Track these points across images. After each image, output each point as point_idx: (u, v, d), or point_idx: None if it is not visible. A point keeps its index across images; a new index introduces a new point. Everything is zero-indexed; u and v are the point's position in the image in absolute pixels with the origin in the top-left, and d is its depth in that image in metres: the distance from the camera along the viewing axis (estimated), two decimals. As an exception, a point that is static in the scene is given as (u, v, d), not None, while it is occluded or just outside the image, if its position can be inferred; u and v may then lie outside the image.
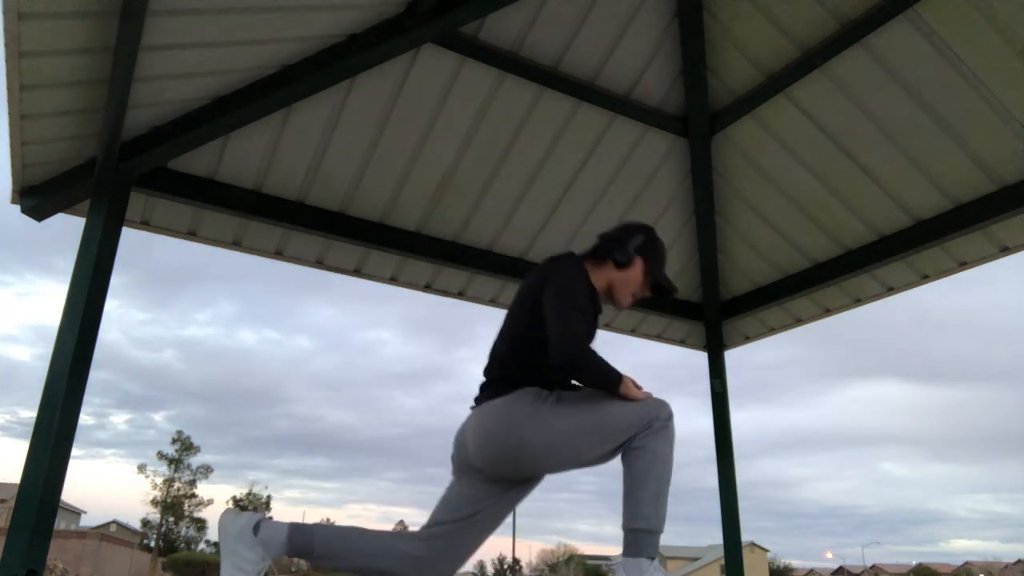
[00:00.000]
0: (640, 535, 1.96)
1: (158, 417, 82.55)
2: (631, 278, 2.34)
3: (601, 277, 2.36)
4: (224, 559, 2.02)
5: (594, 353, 2.07)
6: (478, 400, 2.19)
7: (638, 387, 2.13)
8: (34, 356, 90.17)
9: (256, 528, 2.04)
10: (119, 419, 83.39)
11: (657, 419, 2.03)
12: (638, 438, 2.01)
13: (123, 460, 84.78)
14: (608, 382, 2.05)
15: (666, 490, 2.01)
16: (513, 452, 2.02)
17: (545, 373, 2.14)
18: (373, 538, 2.09)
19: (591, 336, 2.24)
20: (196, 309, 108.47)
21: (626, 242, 2.33)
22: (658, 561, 1.99)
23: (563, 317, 2.05)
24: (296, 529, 2.07)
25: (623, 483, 2.03)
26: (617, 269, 2.33)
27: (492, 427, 2.05)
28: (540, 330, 2.13)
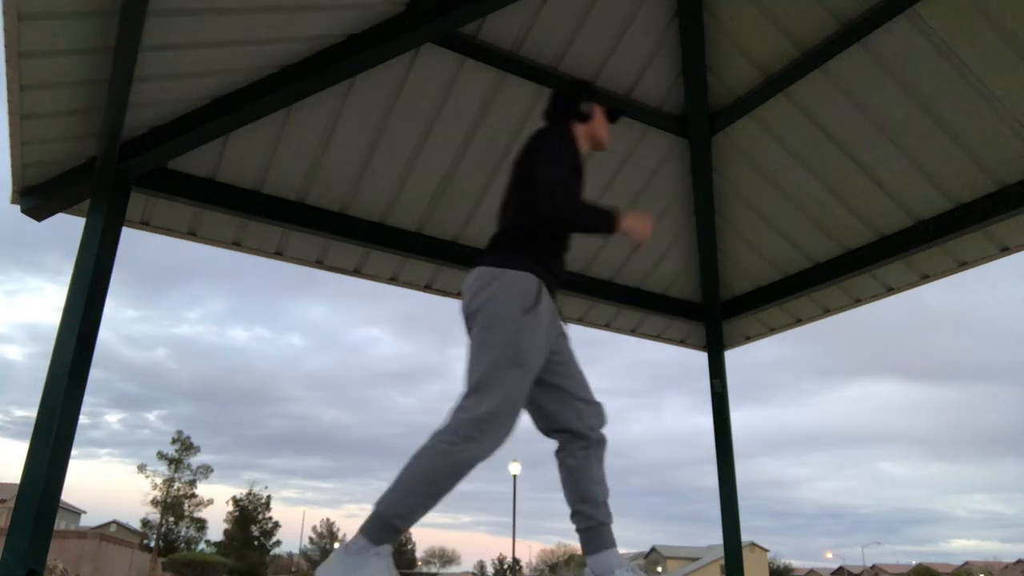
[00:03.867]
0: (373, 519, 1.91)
1: (152, 416, 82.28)
2: (598, 122, 2.51)
3: (580, 137, 2.49)
4: None
5: (582, 201, 2.15)
6: (481, 253, 2.24)
7: (642, 221, 2.22)
8: (26, 355, 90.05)
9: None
10: (113, 418, 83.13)
11: (459, 434, 1.93)
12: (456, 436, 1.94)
13: (117, 460, 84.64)
14: (605, 223, 2.13)
15: (421, 488, 1.90)
16: (470, 316, 2.11)
17: (533, 239, 2.17)
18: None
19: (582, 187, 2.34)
20: (186, 307, 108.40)
21: (576, 100, 2.49)
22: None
23: (551, 172, 2.14)
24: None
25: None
26: (584, 123, 2.48)
27: (473, 290, 2.13)
28: (528, 195, 2.20)
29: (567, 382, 2.21)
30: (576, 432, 2.17)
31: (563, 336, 2.28)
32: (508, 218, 2.25)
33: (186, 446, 47.76)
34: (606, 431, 2.23)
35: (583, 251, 4.87)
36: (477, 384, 1.99)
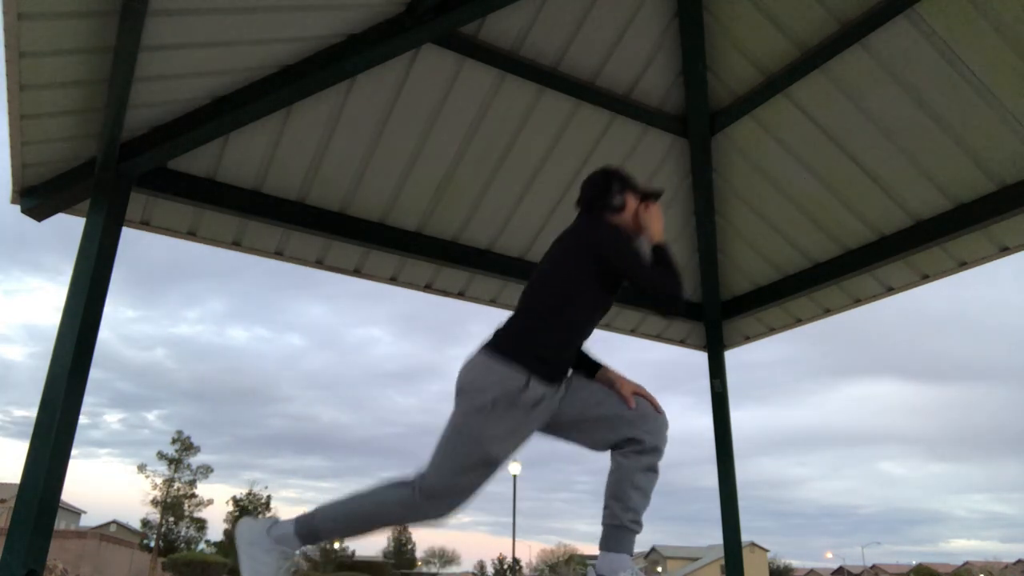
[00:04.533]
0: None
1: (151, 416, 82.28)
2: (631, 209, 2.49)
3: (624, 223, 2.49)
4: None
5: (666, 275, 2.23)
6: (492, 335, 2.27)
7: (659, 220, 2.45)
8: (25, 355, 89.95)
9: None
10: (112, 418, 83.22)
11: (413, 492, 2.14)
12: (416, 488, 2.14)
13: (117, 460, 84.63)
14: (679, 273, 2.30)
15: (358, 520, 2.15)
16: (455, 394, 2.19)
17: (544, 341, 2.17)
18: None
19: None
20: (185, 306, 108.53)
21: (607, 191, 2.48)
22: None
23: (640, 267, 2.20)
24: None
25: None
26: (618, 213, 2.47)
27: (461, 373, 2.20)
28: (562, 295, 2.23)
29: (602, 410, 2.23)
30: (632, 438, 2.19)
31: (580, 389, 2.28)
32: (525, 302, 2.27)
33: (186, 446, 47.75)
34: (663, 440, 2.22)
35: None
36: (439, 461, 2.12)
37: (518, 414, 2.11)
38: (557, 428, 2.27)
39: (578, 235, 2.30)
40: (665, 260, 2.32)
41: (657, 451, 2.20)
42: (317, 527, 2.13)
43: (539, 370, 2.13)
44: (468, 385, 2.14)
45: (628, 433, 2.19)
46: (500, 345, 2.16)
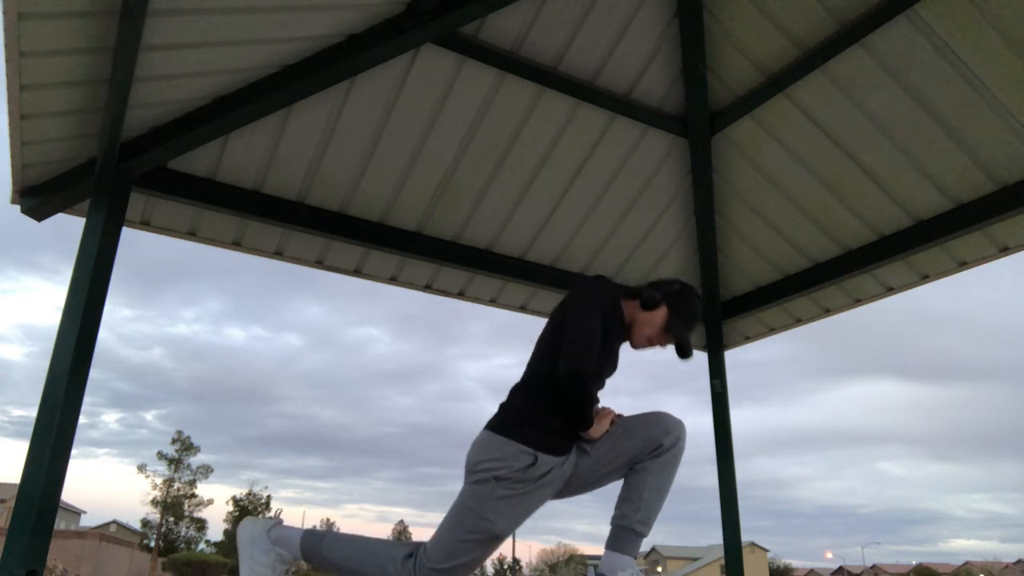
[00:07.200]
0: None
1: (149, 416, 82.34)
2: (652, 321, 2.38)
3: (629, 312, 2.42)
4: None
5: (590, 385, 2.17)
6: (493, 416, 2.28)
7: (602, 428, 2.27)
8: (23, 355, 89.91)
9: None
10: (110, 418, 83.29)
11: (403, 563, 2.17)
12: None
13: (116, 459, 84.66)
14: (582, 419, 2.20)
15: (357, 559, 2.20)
16: (465, 471, 2.21)
17: (549, 417, 2.18)
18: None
19: (610, 359, 2.32)
20: (182, 306, 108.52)
21: (661, 287, 2.41)
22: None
23: (580, 327, 2.16)
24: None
25: None
26: (643, 310, 2.38)
27: (470, 451, 2.22)
28: (552, 359, 2.22)
29: (619, 447, 2.23)
30: (656, 447, 2.22)
31: (590, 447, 2.27)
32: (529, 375, 2.28)
33: (186, 446, 47.76)
34: (683, 441, 2.25)
35: (583, 250, 4.88)
36: (442, 534, 2.15)
37: (524, 489, 2.14)
38: (582, 484, 2.29)
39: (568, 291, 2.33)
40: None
41: (675, 446, 2.23)
42: (320, 550, 2.18)
43: (546, 446, 2.15)
44: (476, 464, 2.16)
45: (652, 447, 2.21)
46: (506, 423, 2.18)
